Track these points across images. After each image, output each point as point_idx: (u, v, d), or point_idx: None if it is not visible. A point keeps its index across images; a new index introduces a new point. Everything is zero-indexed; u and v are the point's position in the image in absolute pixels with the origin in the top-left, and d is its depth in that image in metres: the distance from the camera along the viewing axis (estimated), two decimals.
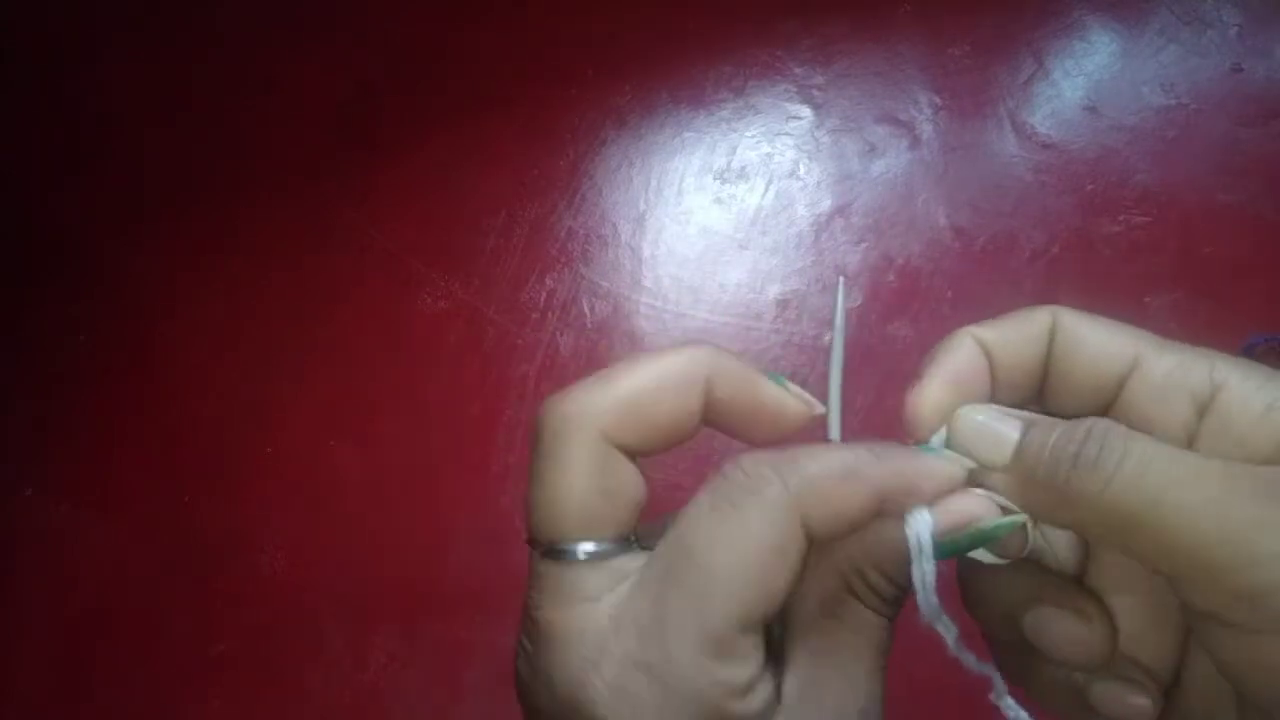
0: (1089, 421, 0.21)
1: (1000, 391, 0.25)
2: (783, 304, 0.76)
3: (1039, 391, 0.25)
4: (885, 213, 0.77)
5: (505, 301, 0.80)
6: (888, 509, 0.22)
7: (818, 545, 0.22)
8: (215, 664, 0.77)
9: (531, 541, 0.23)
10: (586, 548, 0.22)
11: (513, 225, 0.82)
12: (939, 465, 0.23)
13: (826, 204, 0.78)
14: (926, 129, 0.78)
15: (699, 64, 0.82)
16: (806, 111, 0.80)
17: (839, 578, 0.23)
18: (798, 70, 0.81)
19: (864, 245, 0.76)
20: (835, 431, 0.25)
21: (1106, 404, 0.24)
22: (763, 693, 0.22)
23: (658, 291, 0.79)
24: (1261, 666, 0.19)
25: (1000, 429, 0.23)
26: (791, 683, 0.23)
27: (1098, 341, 0.24)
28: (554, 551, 0.22)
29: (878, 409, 0.73)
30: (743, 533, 0.22)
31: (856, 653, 0.23)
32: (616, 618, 0.21)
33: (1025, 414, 0.23)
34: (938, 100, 0.78)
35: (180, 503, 0.81)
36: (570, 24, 0.85)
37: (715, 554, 0.21)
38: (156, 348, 0.85)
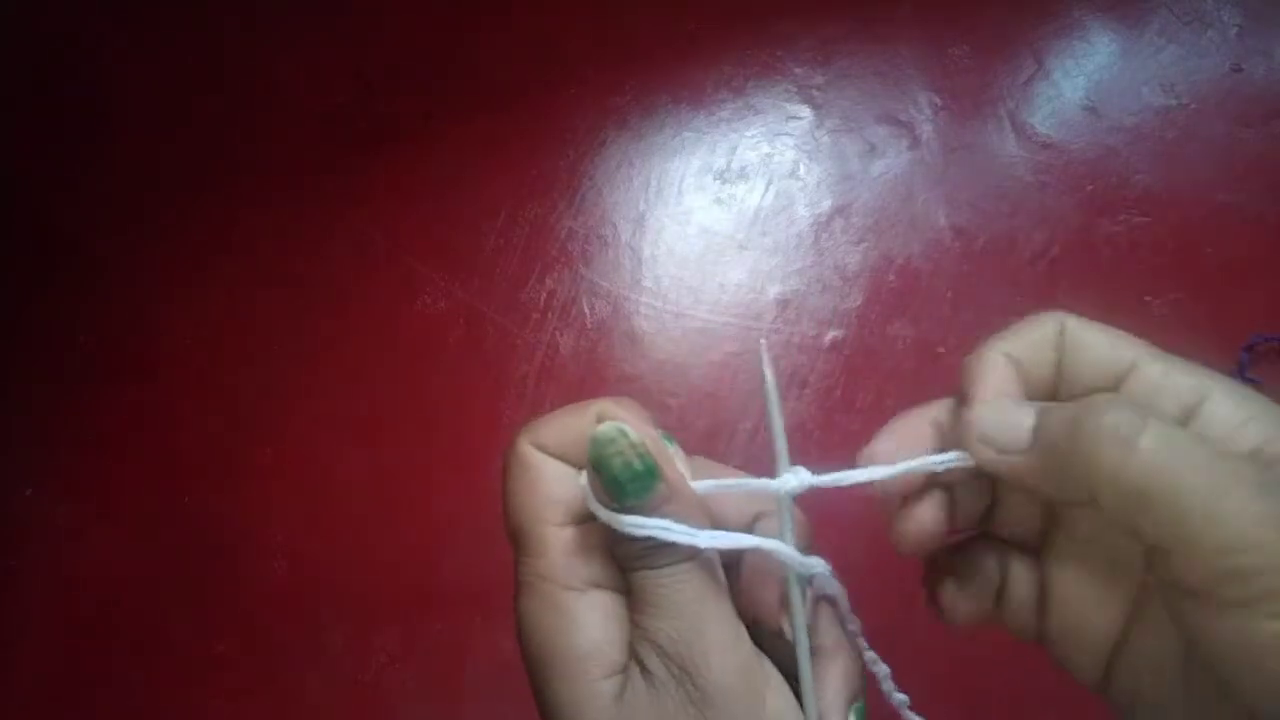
0: (1105, 395, 0.23)
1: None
2: (783, 304, 0.76)
3: (1051, 395, 0.27)
4: (885, 213, 0.77)
5: (505, 301, 0.80)
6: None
7: (566, 459, 0.27)
8: (215, 664, 0.77)
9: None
10: None
11: (513, 225, 0.82)
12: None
13: (826, 204, 0.78)
14: (926, 129, 0.78)
15: (699, 64, 0.82)
16: (806, 111, 0.80)
17: None
18: (798, 70, 0.81)
19: (864, 245, 0.76)
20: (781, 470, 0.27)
21: None
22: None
23: (658, 291, 0.79)
24: (1241, 644, 0.20)
25: (1016, 415, 0.24)
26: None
27: (1099, 345, 0.26)
28: None
29: (877, 409, 0.73)
30: (506, 475, 0.27)
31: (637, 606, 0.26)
32: None
33: (1036, 402, 0.25)
34: (938, 100, 0.78)
35: (180, 503, 0.81)
36: (570, 24, 0.85)
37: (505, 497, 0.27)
38: (156, 348, 0.85)
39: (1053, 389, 0.26)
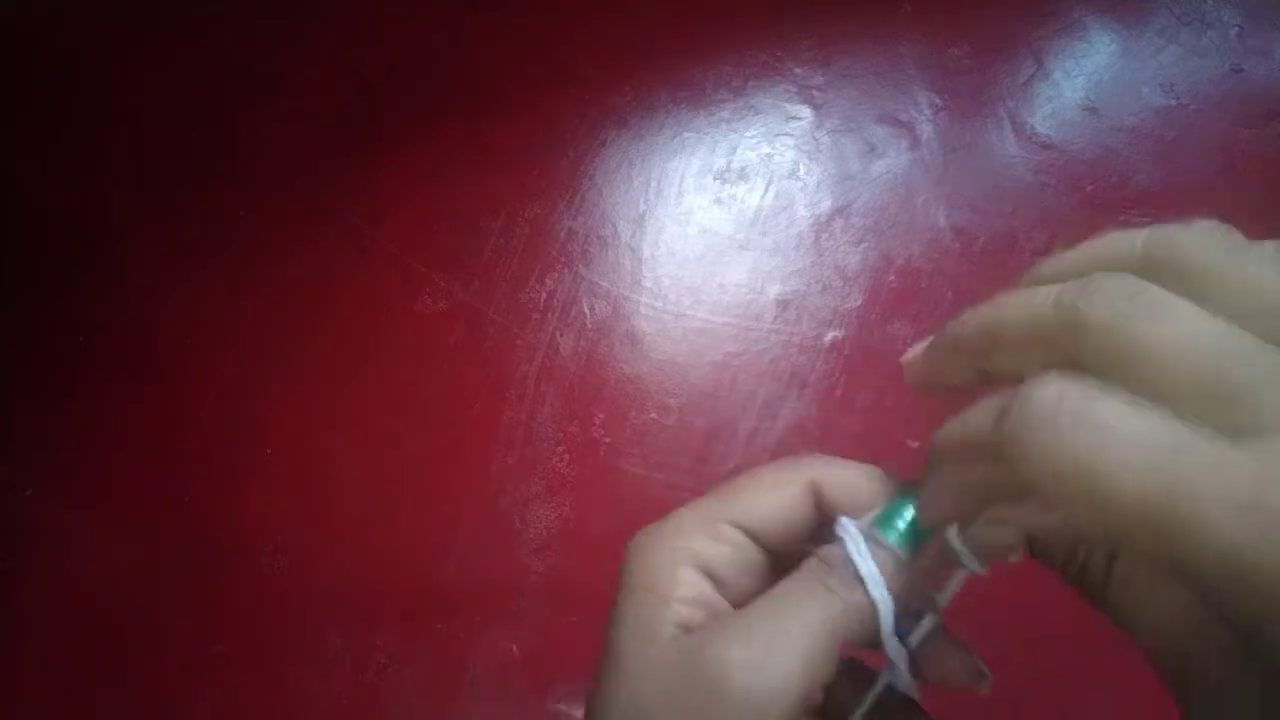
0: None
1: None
2: (783, 304, 0.76)
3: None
4: (885, 213, 0.77)
5: (505, 301, 0.80)
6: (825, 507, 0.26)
7: (766, 541, 0.26)
8: (215, 664, 0.77)
9: None
10: None
11: (513, 225, 0.82)
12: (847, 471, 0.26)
13: (826, 204, 0.78)
14: (926, 129, 0.78)
15: (699, 64, 0.82)
16: (806, 111, 0.80)
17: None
18: (798, 70, 0.81)
19: (864, 245, 0.76)
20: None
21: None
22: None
23: (658, 291, 0.79)
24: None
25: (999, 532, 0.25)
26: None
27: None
28: None
29: (878, 408, 0.73)
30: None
31: (799, 614, 0.24)
32: None
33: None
34: (938, 100, 0.78)
35: (180, 503, 0.81)
36: (570, 24, 0.85)
37: None
38: (156, 348, 0.85)
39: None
